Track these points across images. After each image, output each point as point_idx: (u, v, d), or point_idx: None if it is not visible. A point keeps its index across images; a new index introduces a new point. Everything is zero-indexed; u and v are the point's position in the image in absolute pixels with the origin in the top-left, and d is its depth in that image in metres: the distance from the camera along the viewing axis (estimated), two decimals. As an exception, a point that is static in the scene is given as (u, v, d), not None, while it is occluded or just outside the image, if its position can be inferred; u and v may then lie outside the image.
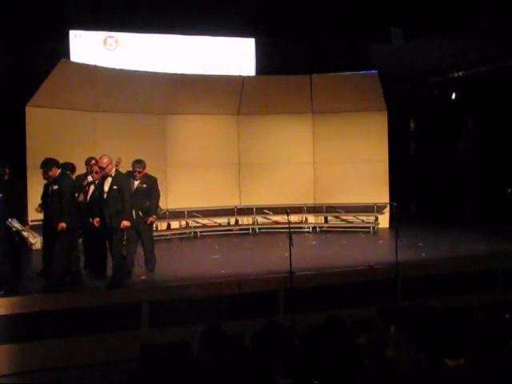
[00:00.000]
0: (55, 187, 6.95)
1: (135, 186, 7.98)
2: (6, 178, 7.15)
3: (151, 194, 8.09)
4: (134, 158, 8.20)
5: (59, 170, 7.03)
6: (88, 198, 7.77)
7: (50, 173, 6.96)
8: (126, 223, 7.06)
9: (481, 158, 13.67)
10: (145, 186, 8.05)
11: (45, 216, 7.42)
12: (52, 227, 6.94)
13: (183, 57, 13.06)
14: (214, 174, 12.78)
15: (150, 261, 8.16)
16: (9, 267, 6.75)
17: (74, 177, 7.78)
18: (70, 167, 7.75)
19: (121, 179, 7.25)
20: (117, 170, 7.32)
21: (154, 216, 8.10)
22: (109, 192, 7.16)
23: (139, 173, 7.99)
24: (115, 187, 7.12)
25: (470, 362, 3.51)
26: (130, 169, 8.11)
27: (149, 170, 8.27)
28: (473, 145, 14.10)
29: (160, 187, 8.39)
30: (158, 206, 8.24)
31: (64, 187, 6.95)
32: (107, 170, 7.17)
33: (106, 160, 7.15)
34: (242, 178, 13.16)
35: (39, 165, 7.20)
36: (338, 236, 12.00)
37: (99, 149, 10.55)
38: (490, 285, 7.87)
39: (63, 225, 6.77)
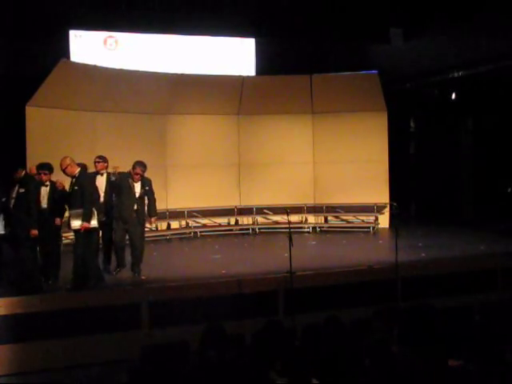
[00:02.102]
0: (21, 190, 6.84)
1: (139, 190, 7.93)
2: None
3: (149, 195, 8.08)
4: (136, 158, 8.12)
5: (24, 172, 6.94)
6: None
7: (17, 174, 6.89)
8: (85, 225, 6.91)
9: (481, 158, 13.66)
10: (147, 188, 8.03)
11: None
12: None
13: (183, 57, 13.06)
14: (214, 174, 12.78)
15: (137, 264, 8.00)
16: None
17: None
18: (48, 167, 7.50)
19: (83, 179, 7.09)
20: (81, 170, 7.16)
21: (155, 217, 8.07)
22: (70, 193, 7.06)
23: (140, 176, 7.90)
24: (76, 188, 6.99)
25: (469, 362, 3.51)
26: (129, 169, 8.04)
27: (149, 170, 8.25)
28: (473, 145, 14.10)
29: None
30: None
31: (31, 191, 6.88)
32: (68, 172, 7.04)
33: (65, 161, 7.02)
34: (242, 178, 13.16)
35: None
36: (337, 236, 11.99)
37: (99, 149, 10.55)
38: (489, 285, 7.87)
39: (35, 232, 6.72)
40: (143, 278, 7.81)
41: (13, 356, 6.04)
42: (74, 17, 11.63)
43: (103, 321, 6.40)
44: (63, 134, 10.76)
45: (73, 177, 7.07)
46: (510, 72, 11.57)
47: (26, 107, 10.27)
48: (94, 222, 7.05)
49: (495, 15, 10.99)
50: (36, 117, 10.40)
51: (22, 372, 5.98)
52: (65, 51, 11.76)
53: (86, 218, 6.90)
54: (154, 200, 8.19)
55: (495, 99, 12.62)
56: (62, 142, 10.54)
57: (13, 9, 10.70)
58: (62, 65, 10.56)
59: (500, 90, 12.33)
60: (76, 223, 6.91)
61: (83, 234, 6.98)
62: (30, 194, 6.88)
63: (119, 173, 8.04)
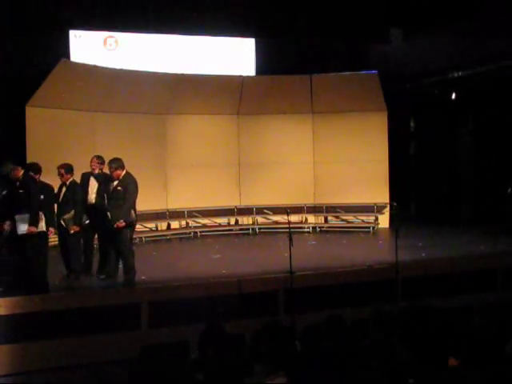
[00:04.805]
0: None
1: (111, 188, 7.44)
2: None
3: (125, 197, 7.28)
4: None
5: None
6: (60, 199, 7.70)
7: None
8: (32, 229, 6.75)
9: (481, 158, 13.66)
10: (119, 188, 7.32)
11: None
12: None
13: (183, 57, 13.06)
14: (214, 174, 12.79)
15: (127, 270, 7.48)
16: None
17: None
18: (36, 168, 7.43)
19: (28, 182, 6.94)
20: (25, 173, 7.01)
21: (122, 221, 7.17)
22: (15, 197, 6.91)
23: (111, 173, 7.37)
24: (21, 191, 6.86)
25: (469, 363, 3.51)
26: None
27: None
28: (473, 145, 14.10)
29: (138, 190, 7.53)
30: (129, 210, 7.29)
31: None
32: (12, 175, 6.93)
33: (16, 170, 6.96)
34: (242, 178, 13.16)
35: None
36: (338, 236, 12.00)
37: (99, 149, 10.55)
38: (489, 285, 7.87)
39: None
40: (143, 278, 7.81)
41: (13, 356, 6.04)
42: (74, 17, 11.63)
43: (103, 321, 6.40)
44: (63, 134, 10.77)
45: (16, 180, 6.94)
46: (510, 72, 11.57)
47: (26, 107, 10.28)
48: (41, 225, 6.90)
49: (495, 15, 10.99)
50: (36, 117, 10.41)
51: (22, 372, 5.98)
52: (65, 51, 11.77)
53: (33, 221, 6.78)
54: (128, 203, 7.26)
55: (495, 99, 12.62)
56: (61, 141, 10.56)
57: (13, 9, 10.70)
58: (62, 65, 10.57)
59: (500, 89, 12.33)
60: (22, 228, 6.76)
61: (31, 239, 6.83)
62: None
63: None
